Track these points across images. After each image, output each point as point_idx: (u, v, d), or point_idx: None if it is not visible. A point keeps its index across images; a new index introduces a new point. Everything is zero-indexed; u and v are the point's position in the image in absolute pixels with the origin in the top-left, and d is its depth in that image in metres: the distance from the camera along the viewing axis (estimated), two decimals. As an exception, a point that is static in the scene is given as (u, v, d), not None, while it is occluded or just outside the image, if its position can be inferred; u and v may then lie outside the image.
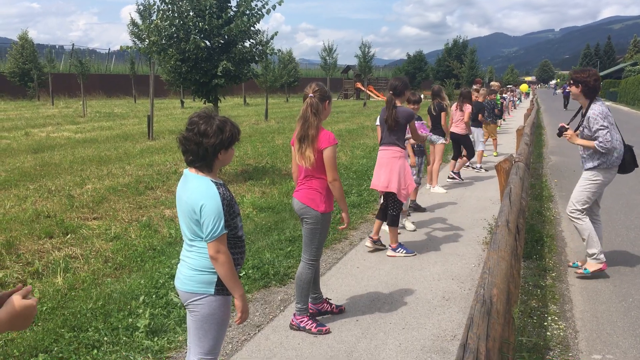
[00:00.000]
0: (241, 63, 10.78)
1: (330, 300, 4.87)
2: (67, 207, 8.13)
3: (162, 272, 5.48)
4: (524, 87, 39.07)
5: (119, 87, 48.92)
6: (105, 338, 4.16)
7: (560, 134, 5.89)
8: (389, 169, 6.10)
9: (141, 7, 11.79)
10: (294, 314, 4.49)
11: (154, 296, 4.90)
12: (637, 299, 5.09)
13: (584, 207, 5.63)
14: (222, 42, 10.61)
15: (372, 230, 7.34)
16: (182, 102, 36.77)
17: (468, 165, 12.29)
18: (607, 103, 14.95)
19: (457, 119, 10.85)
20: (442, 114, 9.89)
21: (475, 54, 56.90)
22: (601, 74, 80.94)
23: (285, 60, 47.82)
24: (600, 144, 5.38)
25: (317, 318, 4.58)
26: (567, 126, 5.76)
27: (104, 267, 5.76)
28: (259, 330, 4.46)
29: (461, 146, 10.91)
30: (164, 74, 11.63)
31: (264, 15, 10.67)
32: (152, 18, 10.80)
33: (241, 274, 5.41)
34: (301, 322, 4.43)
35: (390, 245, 6.37)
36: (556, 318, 4.70)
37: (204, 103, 11.21)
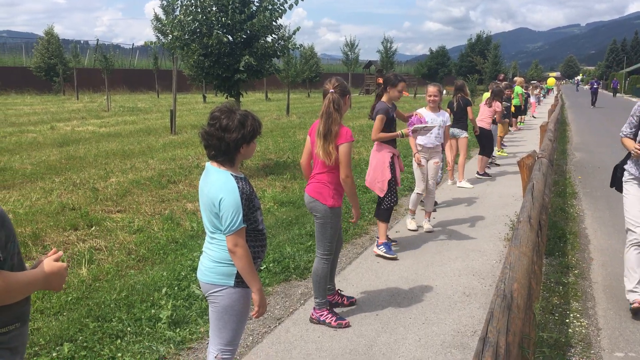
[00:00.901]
0: (263, 58, 10.82)
1: (342, 292, 4.91)
2: (91, 200, 8.26)
3: (184, 264, 5.54)
4: (551, 82, 37.72)
5: (142, 82, 49.40)
6: (129, 328, 4.23)
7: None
8: (370, 164, 6.13)
9: (165, 2, 11.85)
10: (314, 308, 4.52)
11: (176, 288, 4.96)
12: (662, 298, 5.02)
13: None
14: (244, 37, 10.67)
15: (391, 226, 7.35)
16: (205, 97, 37.02)
17: (491, 162, 12.18)
18: (634, 99, 14.70)
19: (485, 114, 10.83)
20: (468, 108, 9.85)
21: (498, 49, 56.32)
22: (628, 69, 79.56)
23: (307, 55, 47.86)
24: None
25: (334, 310, 4.59)
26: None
27: (128, 259, 5.85)
28: (279, 323, 4.50)
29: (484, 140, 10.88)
30: (187, 69, 11.73)
31: (286, 10, 10.70)
32: (176, 13, 10.87)
33: (262, 268, 5.46)
34: (321, 315, 4.45)
35: (377, 239, 6.23)
36: (578, 315, 4.66)
37: (226, 98, 11.28)
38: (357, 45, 52.55)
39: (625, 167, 4.82)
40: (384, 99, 6.07)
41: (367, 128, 19.50)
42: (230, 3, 10.21)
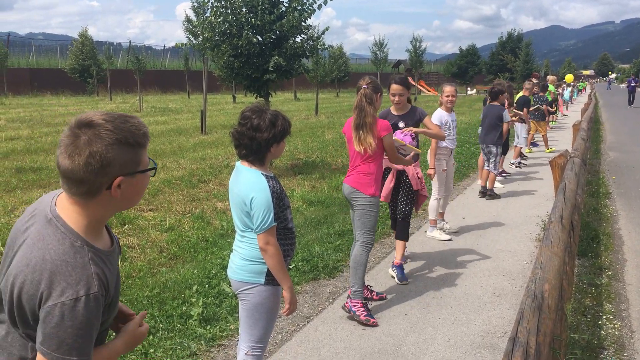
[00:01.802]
0: (292, 58, 10.87)
1: (371, 288, 4.95)
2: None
3: (215, 262, 5.61)
4: (569, 78, 36.50)
5: (173, 82, 50.02)
6: (161, 325, 4.30)
7: None
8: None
9: (195, 4, 12.01)
10: (349, 297, 4.56)
11: (206, 286, 5.03)
12: (699, 301, 4.90)
13: None
14: (273, 37, 10.73)
15: (420, 226, 7.31)
16: (234, 97, 37.30)
17: (512, 164, 12.02)
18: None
19: None
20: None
21: (530, 47, 55.44)
22: (665, 67, 77.52)
23: (336, 55, 47.85)
24: None
25: (368, 305, 4.61)
26: None
27: (159, 256, 5.95)
28: (308, 322, 4.53)
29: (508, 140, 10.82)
30: (217, 70, 11.81)
31: (315, 10, 10.73)
32: (206, 15, 10.99)
33: (291, 266, 5.49)
34: (354, 306, 4.48)
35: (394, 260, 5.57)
36: (611, 317, 4.58)
37: (256, 98, 11.36)
38: (386, 45, 52.34)
39: None
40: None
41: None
42: (260, 4, 10.29)
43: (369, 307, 4.63)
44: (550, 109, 16.47)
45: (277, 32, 10.67)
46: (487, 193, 8.91)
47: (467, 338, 4.22)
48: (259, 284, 2.89)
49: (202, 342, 4.10)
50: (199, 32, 11.14)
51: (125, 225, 7.05)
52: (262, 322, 2.95)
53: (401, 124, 5.27)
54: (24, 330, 1.59)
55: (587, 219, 7.32)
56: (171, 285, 5.05)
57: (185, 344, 4.03)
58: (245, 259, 2.90)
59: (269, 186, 2.79)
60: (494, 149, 8.88)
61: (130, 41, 52.77)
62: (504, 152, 10.86)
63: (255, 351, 3.00)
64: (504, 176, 10.72)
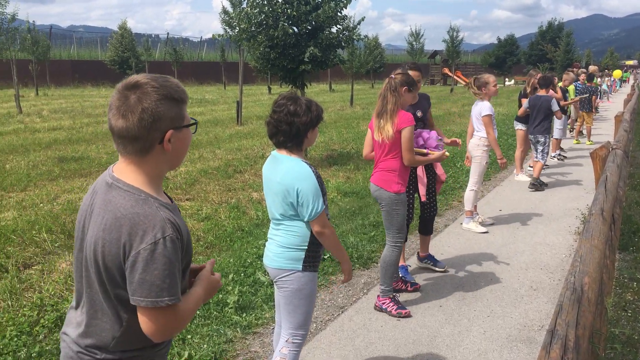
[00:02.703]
0: (328, 49, 10.85)
1: (405, 279, 4.93)
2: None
3: (250, 252, 5.67)
4: (617, 74, 34.87)
5: (210, 74, 50.51)
6: (198, 312, 4.37)
7: None
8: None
9: (232, -5, 12.24)
10: (378, 296, 4.55)
11: (242, 274, 5.09)
12: None
13: None
14: (309, 28, 10.73)
15: (456, 218, 7.25)
16: (270, 89, 37.48)
17: (553, 156, 11.77)
18: None
19: None
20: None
21: (571, 37, 54.10)
22: None
23: (372, 46, 47.52)
24: None
25: (397, 299, 4.58)
26: None
27: (196, 245, 6.04)
28: (342, 312, 4.55)
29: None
30: (253, 61, 11.89)
31: (350, 0, 10.68)
32: (243, 6, 11.05)
33: (325, 257, 5.52)
34: (383, 303, 4.48)
35: (419, 253, 5.61)
36: (653, 313, 4.47)
37: (291, 89, 11.40)
38: (422, 35, 51.74)
39: None
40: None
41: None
42: (296, -6, 10.29)
43: (399, 300, 4.58)
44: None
45: (313, 23, 10.67)
46: (532, 182, 8.84)
47: (503, 331, 4.17)
48: (296, 270, 2.93)
49: (237, 329, 4.15)
50: (235, 24, 11.23)
51: (163, 214, 7.17)
52: (302, 308, 2.98)
53: (418, 113, 5.02)
54: (114, 290, 1.70)
55: (629, 212, 7.14)
56: (208, 273, 5.12)
57: (222, 331, 4.10)
58: (282, 246, 2.94)
59: (313, 172, 2.84)
60: (541, 139, 8.89)
61: (168, 33, 53.47)
62: None
63: (296, 338, 3.03)
64: (543, 168, 10.53)
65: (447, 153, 4.53)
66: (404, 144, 4.23)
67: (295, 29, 10.65)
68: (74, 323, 1.83)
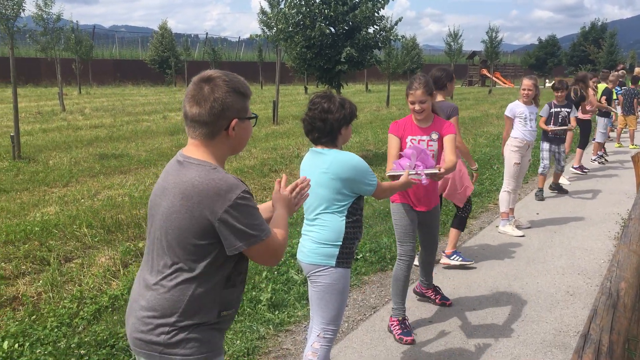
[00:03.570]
0: (364, 49, 10.86)
1: (439, 290, 4.71)
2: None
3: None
4: None
5: (247, 73, 50.85)
6: (231, 308, 4.44)
7: None
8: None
9: (270, -4, 12.39)
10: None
11: (275, 272, 5.14)
12: None
13: None
14: (346, 28, 10.76)
15: (491, 220, 7.17)
16: (306, 89, 37.60)
17: (594, 160, 11.49)
18: None
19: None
20: (582, 103, 9.39)
21: (615, 37, 52.80)
22: None
23: (409, 46, 47.22)
24: None
25: (406, 322, 4.21)
26: None
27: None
28: (374, 312, 4.55)
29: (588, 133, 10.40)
30: (290, 61, 11.99)
31: (388, 1, 10.67)
32: (280, 6, 11.15)
33: (358, 257, 5.53)
34: (391, 324, 4.18)
35: (444, 251, 5.64)
36: (696, 322, 4.34)
37: (327, 89, 11.44)
38: (460, 35, 51.15)
39: None
40: (440, 97, 5.10)
41: (469, 120, 19.03)
42: (333, -5, 10.33)
43: (408, 323, 4.17)
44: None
45: (350, 23, 10.69)
46: (553, 187, 8.77)
47: (537, 336, 4.12)
48: (330, 266, 2.98)
49: (270, 326, 4.20)
50: (273, 24, 11.32)
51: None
52: (333, 303, 3.02)
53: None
54: (188, 257, 1.93)
55: (672, 218, 6.94)
56: (242, 270, 5.18)
57: (254, 328, 4.15)
58: (316, 242, 2.99)
59: (354, 155, 3.00)
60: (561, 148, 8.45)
61: (207, 33, 54.17)
62: (583, 147, 10.43)
63: (328, 333, 3.06)
64: (584, 172, 10.30)
65: (414, 180, 3.43)
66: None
67: (332, 29, 10.68)
68: (145, 290, 2.02)
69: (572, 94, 9.34)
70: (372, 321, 4.38)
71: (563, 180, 9.31)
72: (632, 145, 13.68)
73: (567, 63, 57.54)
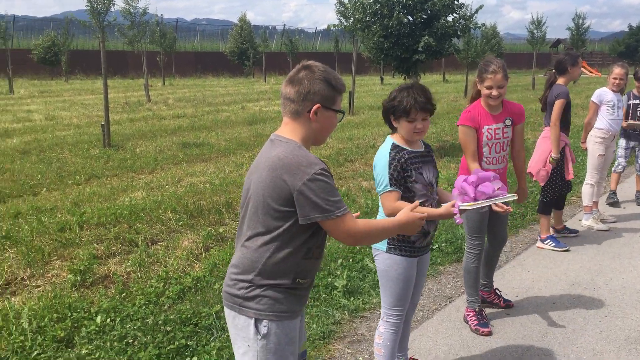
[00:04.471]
0: (443, 38, 10.68)
1: (499, 292, 4.50)
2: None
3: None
4: None
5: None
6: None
7: None
8: (536, 150, 5.62)
9: (347, -14, 12.42)
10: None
11: (350, 260, 5.21)
12: None
13: None
14: (424, 17, 10.62)
15: (574, 214, 6.94)
16: (382, 79, 37.37)
17: None
18: None
19: None
20: None
21: None
22: None
23: (489, 34, 45.84)
24: None
25: (483, 314, 4.17)
26: None
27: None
28: (449, 302, 4.53)
29: None
30: (366, 51, 11.98)
31: (468, -12, 10.44)
32: (358, -4, 11.14)
33: (434, 247, 5.51)
34: (467, 315, 4.15)
35: (539, 235, 5.80)
36: None
37: (404, 79, 11.35)
38: (544, 23, 49.21)
39: None
40: (560, 81, 5.48)
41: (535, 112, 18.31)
42: (412, -17, 10.22)
43: (484, 315, 4.14)
44: None
45: (429, 12, 10.55)
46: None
47: (621, 332, 3.97)
48: (381, 251, 3.10)
49: (345, 312, 4.27)
50: (350, 14, 11.33)
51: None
52: (389, 289, 3.12)
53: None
54: (269, 223, 2.17)
55: None
56: (318, 257, 5.28)
57: (330, 313, 4.24)
58: None
59: (389, 152, 2.98)
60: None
61: (284, 25, 54.83)
62: None
63: (389, 317, 3.15)
64: None
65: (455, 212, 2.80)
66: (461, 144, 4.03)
67: (410, 18, 10.58)
68: (235, 251, 2.32)
69: None
70: (448, 311, 4.37)
71: None
72: None
73: (661, 50, 54.11)
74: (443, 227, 6.09)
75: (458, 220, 2.80)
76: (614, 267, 5.18)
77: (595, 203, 6.53)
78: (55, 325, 3.94)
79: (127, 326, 3.95)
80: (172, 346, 3.69)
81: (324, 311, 4.26)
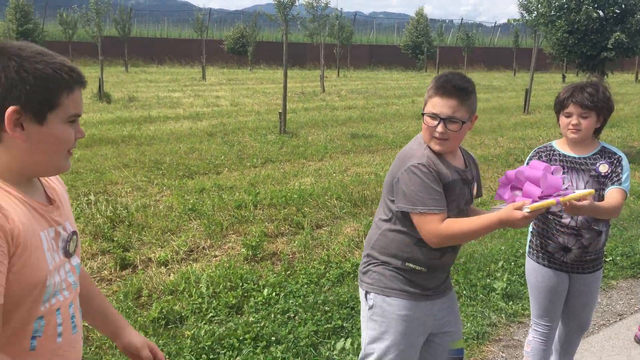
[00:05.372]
0: (637, 35, 9.77)
1: None
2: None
3: (523, 242, 5.56)
4: None
5: (500, 60, 49.13)
6: (464, 292, 4.51)
7: None
8: None
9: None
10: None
11: (512, 263, 5.06)
12: None
13: None
14: (617, 11, 9.79)
15: None
16: (564, 77, 34.98)
17: None
18: None
19: None
20: None
21: None
22: None
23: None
24: None
25: None
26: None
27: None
28: (620, 319, 4.24)
29: None
30: (548, 47, 11.34)
31: (673, -21, 9.42)
32: (544, -11, 10.58)
33: (607, 259, 5.14)
34: None
35: None
36: None
37: (588, 78, 10.57)
38: None
39: None
40: None
41: None
42: (605, -25, 9.48)
43: None
44: None
45: (622, 6, 9.71)
46: None
47: None
48: (526, 252, 3.08)
49: (502, 315, 4.19)
50: (533, 7, 10.81)
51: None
52: (531, 296, 3.07)
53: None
54: (385, 205, 2.39)
55: None
56: (477, 257, 5.21)
57: (486, 314, 4.17)
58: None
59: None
60: None
61: (462, 18, 53.48)
62: None
63: (537, 327, 3.09)
64: None
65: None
66: None
67: (601, 13, 9.81)
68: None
69: None
70: (617, 328, 4.08)
71: None
72: None
73: None
74: (619, 240, 5.65)
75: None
76: None
77: None
78: (229, 292, 4.35)
79: (290, 302, 4.24)
80: (329, 325, 3.90)
81: (480, 312, 4.21)
